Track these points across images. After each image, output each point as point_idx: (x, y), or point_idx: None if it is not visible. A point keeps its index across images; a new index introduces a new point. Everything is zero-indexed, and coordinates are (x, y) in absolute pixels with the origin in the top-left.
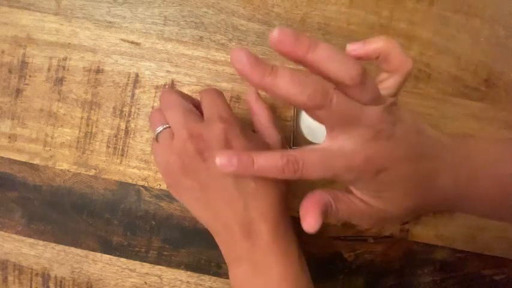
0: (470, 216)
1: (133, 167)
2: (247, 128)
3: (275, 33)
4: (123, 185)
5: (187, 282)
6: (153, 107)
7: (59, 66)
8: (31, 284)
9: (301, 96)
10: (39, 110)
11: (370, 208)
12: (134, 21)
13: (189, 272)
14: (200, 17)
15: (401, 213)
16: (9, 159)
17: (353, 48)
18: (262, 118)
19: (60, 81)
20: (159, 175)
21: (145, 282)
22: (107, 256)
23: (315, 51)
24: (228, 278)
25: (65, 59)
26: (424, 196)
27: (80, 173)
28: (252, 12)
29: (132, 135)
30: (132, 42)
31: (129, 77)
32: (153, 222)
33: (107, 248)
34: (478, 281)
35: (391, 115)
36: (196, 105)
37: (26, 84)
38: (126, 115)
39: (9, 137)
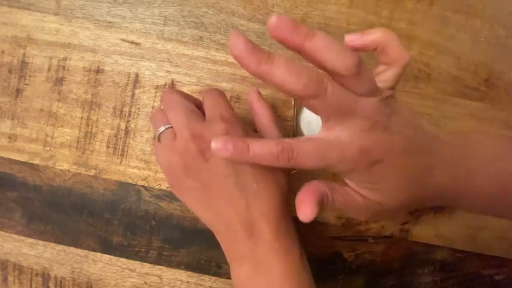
0: (470, 216)
1: (133, 167)
2: (248, 127)
3: (273, 19)
4: (123, 185)
5: (187, 282)
6: (153, 107)
7: (59, 66)
8: (31, 284)
9: (296, 85)
10: (39, 110)
11: (366, 201)
12: (134, 21)
13: (189, 272)
14: (200, 17)
15: (397, 205)
16: (9, 159)
17: (351, 39)
18: (263, 118)
19: (60, 81)
20: (159, 175)
21: (145, 282)
22: (107, 256)
23: (312, 39)
24: (228, 277)
25: (65, 59)
26: (419, 190)
27: (80, 173)
28: (252, 12)
29: (132, 135)
30: (132, 42)
31: (129, 77)
32: (153, 222)
33: (107, 248)
34: (478, 281)
35: (388, 107)
36: (198, 105)
37: (26, 84)
38: (126, 115)
39: (9, 137)
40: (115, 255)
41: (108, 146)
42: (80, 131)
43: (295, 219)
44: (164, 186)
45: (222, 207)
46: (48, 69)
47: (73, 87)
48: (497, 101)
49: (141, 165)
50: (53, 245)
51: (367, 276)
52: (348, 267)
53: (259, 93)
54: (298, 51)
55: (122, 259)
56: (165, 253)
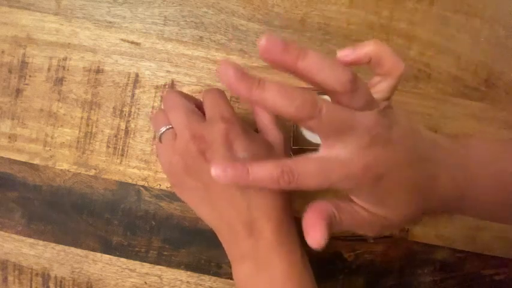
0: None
1: (134, 167)
2: (249, 127)
3: (263, 41)
4: (123, 185)
5: (187, 282)
6: (153, 107)
7: (59, 66)
8: (31, 284)
9: (289, 108)
10: (39, 110)
11: (373, 216)
12: (134, 21)
13: (189, 272)
14: (200, 17)
15: (404, 219)
16: (9, 159)
17: (343, 54)
18: (264, 118)
19: (60, 81)
20: (159, 175)
21: (145, 282)
22: (107, 256)
23: (305, 59)
24: (228, 277)
25: (65, 59)
26: (425, 200)
27: (80, 173)
28: (252, 12)
29: (132, 135)
30: (132, 42)
31: (129, 77)
32: (153, 222)
33: (107, 248)
34: (478, 281)
35: (386, 118)
36: (199, 106)
37: (26, 84)
38: (126, 115)
39: (9, 137)
40: (115, 255)
41: (108, 146)
42: (80, 131)
43: (296, 220)
44: (164, 186)
45: (223, 207)
46: (48, 69)
47: (73, 87)
48: (497, 101)
49: (141, 165)
50: (53, 245)
51: (367, 276)
52: (348, 267)
53: None
54: (291, 72)
55: (122, 259)
56: (165, 253)
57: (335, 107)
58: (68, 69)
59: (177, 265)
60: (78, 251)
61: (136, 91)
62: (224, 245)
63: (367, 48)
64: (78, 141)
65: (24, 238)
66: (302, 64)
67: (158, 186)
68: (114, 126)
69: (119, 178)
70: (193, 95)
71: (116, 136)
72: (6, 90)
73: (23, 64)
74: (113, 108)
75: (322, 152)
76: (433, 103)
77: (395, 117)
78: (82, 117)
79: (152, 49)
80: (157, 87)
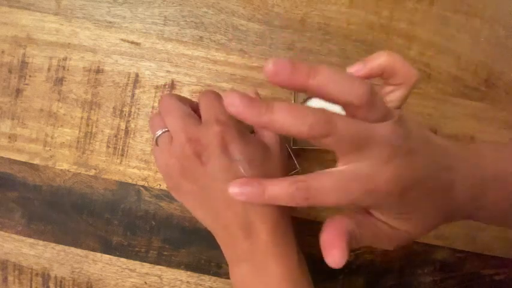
0: (465, 219)
1: (134, 167)
2: (245, 130)
3: (270, 65)
4: (123, 185)
5: (187, 282)
6: (153, 107)
7: (59, 66)
8: (31, 284)
9: (302, 127)
10: (39, 110)
11: (395, 231)
12: (134, 21)
13: (189, 272)
14: (200, 17)
15: (426, 231)
16: (9, 159)
17: (354, 70)
18: None
19: (60, 81)
20: (159, 175)
21: (145, 282)
22: (107, 256)
23: (316, 77)
24: (228, 278)
25: (65, 59)
26: (447, 210)
27: (80, 173)
28: (252, 12)
29: (132, 135)
30: (132, 42)
31: (129, 77)
32: (153, 222)
33: (107, 248)
34: (478, 281)
35: (403, 128)
36: (195, 109)
37: (26, 84)
38: (126, 115)
39: (9, 137)
40: (115, 255)
41: (108, 146)
42: (80, 131)
43: (294, 219)
44: (164, 186)
45: (220, 210)
46: (48, 69)
47: (73, 87)
48: (497, 101)
49: (141, 165)
50: (53, 245)
51: (367, 276)
52: (348, 267)
53: (258, 94)
54: (303, 90)
55: (122, 259)
56: (165, 253)
57: (350, 121)
58: (68, 69)
59: (177, 265)
60: (78, 251)
61: (136, 91)
62: (221, 247)
63: (379, 61)
64: (78, 141)
65: (24, 238)
66: (314, 82)
67: (158, 186)
68: (114, 126)
69: (119, 178)
70: (193, 95)
71: (116, 136)
72: (6, 90)
73: (23, 64)
74: (113, 108)
75: (340, 167)
76: (433, 103)
77: (409, 125)
78: (82, 117)
79: (152, 49)
80: (157, 87)
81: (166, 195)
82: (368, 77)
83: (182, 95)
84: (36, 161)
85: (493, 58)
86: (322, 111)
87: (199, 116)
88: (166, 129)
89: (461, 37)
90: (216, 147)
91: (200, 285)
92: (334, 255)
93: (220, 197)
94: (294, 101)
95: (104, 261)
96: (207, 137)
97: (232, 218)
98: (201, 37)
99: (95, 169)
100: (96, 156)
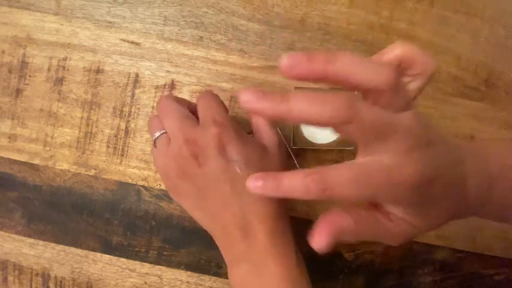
0: (470, 216)
1: (134, 167)
2: (242, 130)
3: (284, 60)
4: (123, 185)
5: (187, 282)
6: (153, 107)
7: (59, 66)
8: (31, 284)
9: (322, 113)
10: (39, 110)
11: (399, 227)
12: (134, 21)
13: (189, 272)
14: (200, 17)
15: (435, 227)
16: (9, 159)
17: None
18: (259, 119)
19: (60, 81)
20: (159, 175)
21: (145, 282)
22: (107, 256)
23: (335, 62)
24: (228, 278)
25: (65, 59)
26: (460, 205)
27: (80, 173)
28: (252, 12)
29: (132, 135)
30: (132, 42)
31: (129, 77)
32: (153, 222)
33: (107, 248)
34: (478, 281)
35: (423, 118)
36: (193, 110)
37: (26, 84)
38: (126, 115)
39: (9, 137)
40: (115, 255)
41: (108, 146)
42: (80, 131)
43: (293, 219)
44: (164, 186)
45: (217, 210)
46: (48, 69)
47: (73, 87)
48: (497, 101)
49: (141, 165)
50: (53, 245)
51: (367, 276)
52: (347, 267)
53: None
54: (323, 79)
55: (122, 259)
56: (165, 253)
57: (375, 107)
58: (68, 69)
59: (177, 265)
60: (78, 251)
61: (136, 91)
62: (219, 247)
63: (396, 51)
64: (78, 141)
65: (24, 238)
66: (334, 67)
67: (158, 186)
68: (114, 126)
69: (119, 178)
70: (193, 95)
71: (116, 136)
72: (6, 90)
73: (23, 64)
74: (113, 108)
75: (360, 159)
76: (433, 103)
77: (424, 117)
78: (82, 117)
79: (152, 49)
80: (157, 87)
81: (166, 195)
82: None
83: (182, 95)
84: (36, 161)
85: (493, 58)
86: (344, 94)
87: (197, 118)
88: (164, 131)
89: (461, 37)
90: (213, 148)
91: (200, 285)
92: (318, 240)
93: (218, 198)
94: None
95: (104, 261)
96: (204, 139)
97: (230, 218)
98: (201, 37)
99: (95, 169)
100: (96, 156)
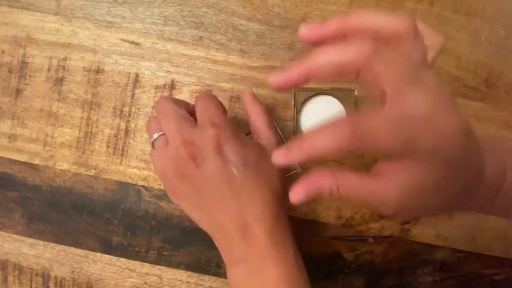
0: (470, 216)
1: (134, 167)
2: (240, 131)
3: (302, 28)
4: (123, 185)
5: (187, 282)
6: (153, 107)
7: (59, 66)
8: (31, 284)
9: (348, 53)
10: (39, 110)
11: (390, 197)
12: (134, 21)
13: (189, 272)
14: (200, 17)
15: (442, 211)
16: (9, 159)
17: None
18: (257, 120)
19: (60, 81)
20: (158, 176)
21: (145, 282)
22: (107, 256)
23: (351, 15)
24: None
25: (65, 59)
26: (473, 186)
27: (80, 173)
28: (252, 12)
29: (132, 135)
30: (132, 42)
31: (129, 77)
32: (153, 222)
33: (107, 248)
34: (478, 281)
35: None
36: (192, 111)
37: (26, 84)
38: (126, 115)
39: (9, 137)
40: (115, 255)
41: (108, 146)
42: (80, 131)
43: (292, 219)
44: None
45: (216, 211)
46: (48, 69)
47: (73, 87)
48: (497, 101)
49: (141, 165)
50: (53, 245)
51: (367, 276)
52: (347, 267)
53: (254, 94)
54: (344, 33)
55: (122, 259)
56: (165, 253)
57: (397, 50)
58: (68, 69)
59: (177, 265)
60: (78, 251)
61: (136, 91)
62: (218, 248)
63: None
64: (78, 141)
65: (24, 238)
66: (352, 19)
67: (158, 186)
68: (114, 126)
69: (119, 178)
70: (193, 95)
71: (116, 136)
72: (6, 90)
73: (23, 64)
74: (113, 108)
75: (390, 109)
76: None
77: None
78: (82, 117)
79: (152, 49)
80: (157, 87)
81: (166, 195)
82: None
83: (182, 95)
84: (36, 161)
85: (493, 58)
86: (362, 37)
87: (195, 119)
88: (162, 133)
89: (461, 37)
90: (211, 149)
91: (200, 285)
92: (295, 192)
93: (216, 199)
94: (294, 102)
95: (104, 261)
96: (202, 140)
97: (228, 219)
98: (201, 37)
99: (95, 169)
100: (96, 156)
